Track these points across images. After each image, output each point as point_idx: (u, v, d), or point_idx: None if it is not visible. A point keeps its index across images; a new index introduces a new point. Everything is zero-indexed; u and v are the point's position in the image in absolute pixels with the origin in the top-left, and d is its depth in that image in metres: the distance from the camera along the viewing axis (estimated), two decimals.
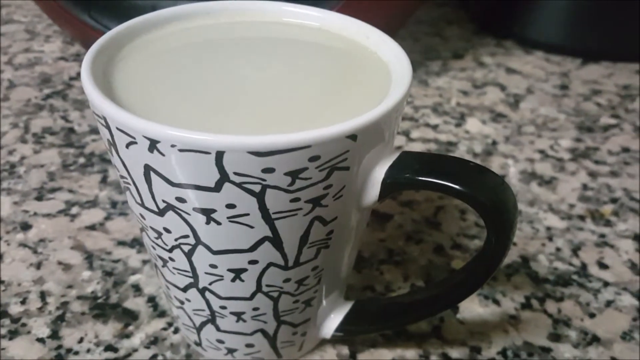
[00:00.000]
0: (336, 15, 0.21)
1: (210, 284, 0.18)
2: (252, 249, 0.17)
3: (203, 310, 0.19)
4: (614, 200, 0.30)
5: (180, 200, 0.16)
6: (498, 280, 0.25)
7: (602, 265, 0.26)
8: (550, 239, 0.28)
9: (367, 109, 0.15)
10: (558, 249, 0.27)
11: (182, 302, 0.20)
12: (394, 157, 0.17)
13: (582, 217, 0.29)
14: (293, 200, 0.15)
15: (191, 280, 0.18)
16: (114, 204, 0.28)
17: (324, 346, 0.22)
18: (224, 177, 0.15)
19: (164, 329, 0.23)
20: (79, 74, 0.40)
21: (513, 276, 0.25)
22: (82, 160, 0.31)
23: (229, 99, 0.17)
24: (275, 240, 0.16)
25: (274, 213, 0.16)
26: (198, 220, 0.16)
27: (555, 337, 0.23)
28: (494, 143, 0.34)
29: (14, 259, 0.25)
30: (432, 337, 0.23)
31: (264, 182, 0.15)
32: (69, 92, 0.38)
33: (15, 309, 0.23)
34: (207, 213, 0.16)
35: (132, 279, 0.24)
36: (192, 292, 0.19)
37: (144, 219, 0.17)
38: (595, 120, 0.37)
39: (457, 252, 0.27)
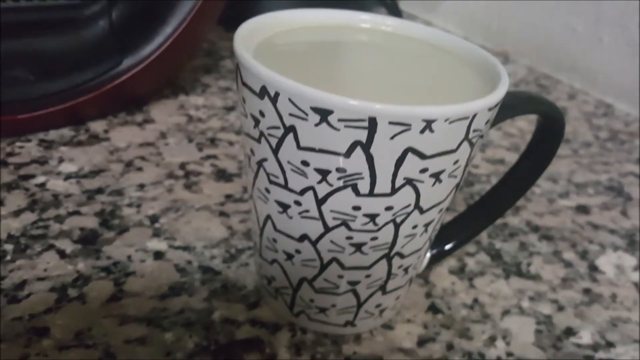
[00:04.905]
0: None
1: (403, 246, 0.21)
2: (446, 197, 0.20)
3: (380, 279, 0.21)
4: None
5: (424, 170, 0.18)
6: None
7: None
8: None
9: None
10: None
11: (355, 283, 0.21)
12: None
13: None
14: (481, 144, 0.20)
15: (385, 252, 0.20)
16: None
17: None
18: (465, 137, 0.18)
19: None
20: None
21: None
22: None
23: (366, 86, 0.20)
24: (459, 184, 0.20)
25: (469, 160, 0.20)
26: (427, 184, 0.19)
27: None
28: None
29: None
30: None
31: (480, 133, 0.19)
32: None
33: None
34: (438, 174, 0.19)
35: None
36: (379, 264, 0.21)
37: (358, 209, 0.19)
38: None
39: None
